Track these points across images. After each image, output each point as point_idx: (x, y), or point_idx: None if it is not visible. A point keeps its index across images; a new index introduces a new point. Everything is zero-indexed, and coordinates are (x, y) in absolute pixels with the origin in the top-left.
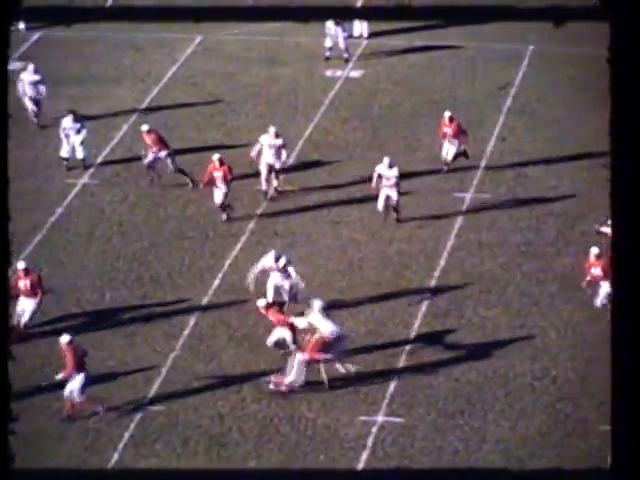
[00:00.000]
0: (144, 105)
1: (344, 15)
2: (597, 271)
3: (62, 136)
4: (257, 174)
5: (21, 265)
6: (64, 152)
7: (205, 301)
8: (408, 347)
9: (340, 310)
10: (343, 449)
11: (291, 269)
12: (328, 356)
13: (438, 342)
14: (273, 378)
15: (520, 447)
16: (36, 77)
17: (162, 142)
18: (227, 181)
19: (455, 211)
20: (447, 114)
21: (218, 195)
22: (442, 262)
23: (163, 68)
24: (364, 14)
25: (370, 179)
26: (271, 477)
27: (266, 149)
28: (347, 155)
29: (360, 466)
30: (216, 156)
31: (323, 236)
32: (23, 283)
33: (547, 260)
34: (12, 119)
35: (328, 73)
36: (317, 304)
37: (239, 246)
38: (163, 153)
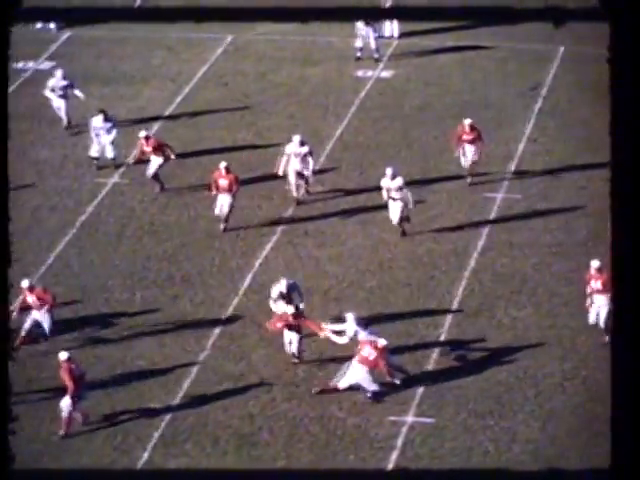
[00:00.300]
0: (175, 105)
1: (344, 16)
2: (597, 285)
3: (92, 135)
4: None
5: (25, 283)
6: (94, 152)
7: (235, 301)
8: (438, 347)
9: (370, 310)
10: (373, 449)
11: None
12: (389, 364)
13: (468, 342)
14: (318, 389)
15: (550, 447)
16: (64, 82)
17: (161, 148)
18: (232, 191)
19: (486, 211)
20: (468, 121)
21: (223, 204)
22: (472, 262)
23: (194, 68)
24: (363, 14)
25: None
26: (287, 477)
27: (292, 158)
28: (378, 155)
29: (390, 466)
30: (223, 164)
31: (353, 236)
32: (31, 299)
33: (577, 261)
34: (41, 119)
35: (359, 73)
36: (351, 317)
37: (270, 246)
38: (160, 160)
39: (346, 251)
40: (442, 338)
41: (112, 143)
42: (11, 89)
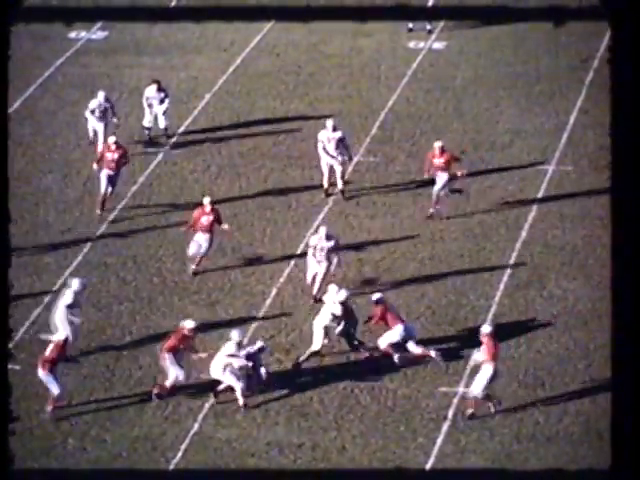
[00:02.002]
0: (227, 75)
1: (345, 16)
2: (483, 353)
3: (145, 105)
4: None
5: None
6: (146, 121)
7: (287, 271)
8: (489, 318)
9: (422, 281)
10: (424, 420)
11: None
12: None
13: (519, 313)
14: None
15: (600, 419)
16: (106, 104)
17: (123, 160)
18: (213, 230)
19: (537, 183)
20: (438, 144)
21: (201, 243)
22: (523, 234)
23: (246, 38)
24: (363, 14)
25: None
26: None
27: (326, 144)
28: (429, 126)
29: (440, 437)
30: (207, 199)
31: (405, 207)
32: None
33: None
34: (93, 89)
35: (411, 45)
36: (333, 288)
37: (322, 216)
38: (112, 173)
39: (398, 222)
40: (493, 309)
41: (164, 113)
42: (63, 59)
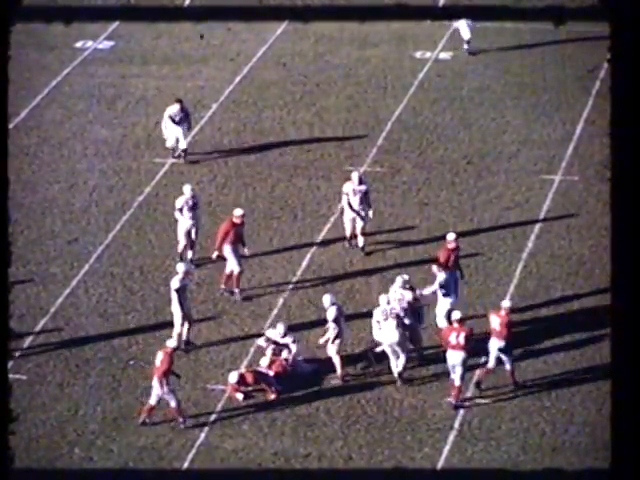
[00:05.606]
0: (234, 85)
1: (344, 16)
2: (460, 339)
3: (163, 126)
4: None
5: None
6: (169, 143)
7: (293, 281)
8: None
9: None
10: (430, 430)
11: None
12: None
13: (525, 324)
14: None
15: (607, 430)
16: (193, 200)
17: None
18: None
19: (543, 193)
20: (452, 236)
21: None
22: (530, 244)
23: (253, 48)
24: (363, 14)
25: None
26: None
27: (351, 197)
28: (436, 136)
29: (447, 448)
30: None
31: (412, 217)
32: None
33: None
34: (100, 98)
35: (417, 55)
36: (327, 298)
37: (328, 226)
38: (236, 247)
39: (404, 233)
40: None
41: (184, 133)
42: (70, 68)
